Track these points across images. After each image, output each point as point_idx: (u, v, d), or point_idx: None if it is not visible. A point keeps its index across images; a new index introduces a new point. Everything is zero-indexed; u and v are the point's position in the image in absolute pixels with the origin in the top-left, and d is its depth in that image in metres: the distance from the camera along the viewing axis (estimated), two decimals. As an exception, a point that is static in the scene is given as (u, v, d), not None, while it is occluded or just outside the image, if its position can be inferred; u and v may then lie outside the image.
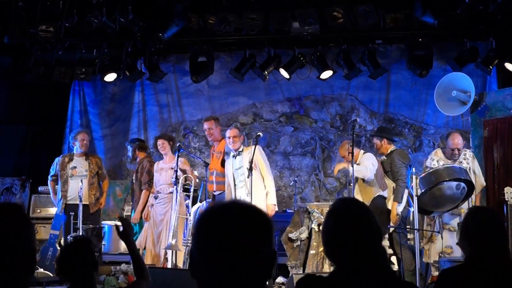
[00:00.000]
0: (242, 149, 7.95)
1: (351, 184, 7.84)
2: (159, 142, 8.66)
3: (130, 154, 9.51)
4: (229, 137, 7.93)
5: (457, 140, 7.82)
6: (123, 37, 9.78)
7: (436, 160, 7.91)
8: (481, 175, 7.96)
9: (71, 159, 8.66)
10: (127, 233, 3.54)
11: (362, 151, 8.14)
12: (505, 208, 7.30)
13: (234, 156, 7.95)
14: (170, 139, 8.76)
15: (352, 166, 7.71)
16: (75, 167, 8.59)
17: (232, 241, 1.75)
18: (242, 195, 7.72)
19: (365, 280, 2.55)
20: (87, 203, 8.39)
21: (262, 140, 8.25)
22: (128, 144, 9.75)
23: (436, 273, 7.60)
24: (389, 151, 8.07)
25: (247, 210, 1.84)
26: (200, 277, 1.80)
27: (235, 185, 7.95)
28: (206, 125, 8.45)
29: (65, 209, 8.44)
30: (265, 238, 1.81)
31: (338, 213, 2.70)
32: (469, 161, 7.92)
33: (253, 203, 7.14)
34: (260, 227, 1.81)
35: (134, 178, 9.07)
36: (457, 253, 7.66)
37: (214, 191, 8.33)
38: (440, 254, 7.47)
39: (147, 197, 8.66)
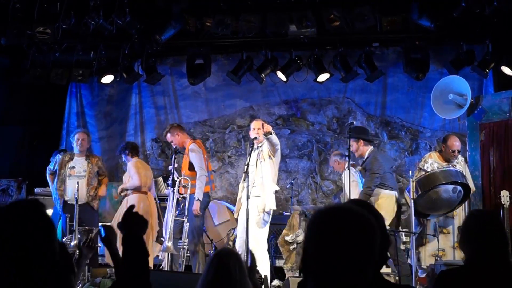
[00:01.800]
0: (263, 145, 7.75)
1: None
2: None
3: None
4: (254, 129, 7.78)
5: (457, 142, 7.90)
6: (120, 39, 9.77)
7: (430, 162, 7.92)
8: (471, 180, 7.96)
9: (71, 158, 8.67)
10: (110, 240, 3.51)
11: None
12: (501, 212, 7.33)
13: (253, 150, 7.70)
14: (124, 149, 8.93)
15: (349, 169, 7.72)
16: (73, 167, 8.60)
17: (339, 239, 1.95)
18: (248, 194, 7.39)
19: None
20: (85, 202, 8.41)
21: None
22: (57, 154, 9.60)
23: (423, 275, 7.62)
24: (367, 154, 7.97)
25: (357, 217, 2.02)
26: (311, 274, 2.00)
27: (244, 180, 7.55)
28: (168, 138, 8.53)
29: (63, 208, 8.46)
30: (366, 244, 1.99)
31: None
32: (461, 166, 7.95)
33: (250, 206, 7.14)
34: (362, 234, 1.99)
35: None
36: (450, 256, 7.69)
37: (181, 193, 8.22)
38: (437, 258, 7.48)
39: None
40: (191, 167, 8.22)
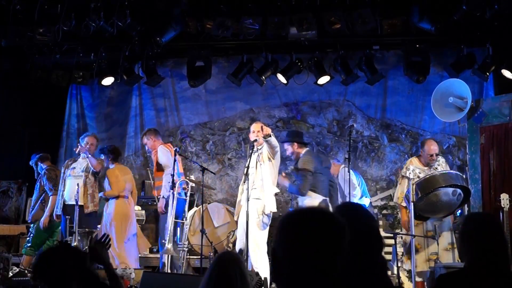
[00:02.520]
0: (262, 147, 7.68)
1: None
2: None
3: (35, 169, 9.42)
4: (254, 131, 7.75)
5: (434, 146, 7.91)
6: (121, 41, 9.78)
7: (412, 169, 7.93)
8: None
9: (74, 161, 8.71)
10: (101, 255, 3.47)
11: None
12: (501, 215, 7.31)
13: (253, 152, 7.66)
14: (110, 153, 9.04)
15: (349, 171, 7.72)
16: (74, 168, 8.60)
17: (310, 240, 1.94)
18: (248, 196, 7.43)
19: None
20: (81, 203, 8.36)
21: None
22: (33, 164, 9.59)
23: (419, 279, 7.62)
24: (301, 155, 7.97)
25: (325, 217, 2.02)
26: (281, 278, 1.99)
27: (244, 182, 7.55)
28: (143, 141, 9.02)
29: (63, 210, 8.42)
30: (337, 243, 1.98)
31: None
32: (442, 167, 7.93)
33: (254, 204, 7.15)
34: (333, 233, 1.98)
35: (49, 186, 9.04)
36: (443, 259, 7.68)
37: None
38: (436, 261, 7.47)
39: (54, 202, 8.74)
40: (159, 167, 8.62)
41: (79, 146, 8.56)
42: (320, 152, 11.16)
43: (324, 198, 7.78)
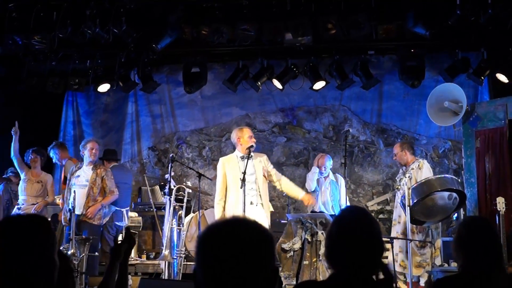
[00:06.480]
0: (252, 155, 7.58)
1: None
2: (32, 155, 9.41)
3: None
4: (250, 137, 7.70)
5: (394, 149, 8.58)
6: (117, 48, 9.78)
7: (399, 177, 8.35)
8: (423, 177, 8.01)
9: (79, 168, 8.54)
10: (130, 247, 3.34)
11: None
12: (497, 218, 7.34)
13: (243, 158, 7.54)
14: (42, 154, 9.44)
15: (345, 178, 7.75)
16: (78, 176, 8.43)
17: (232, 256, 1.78)
18: (251, 201, 7.41)
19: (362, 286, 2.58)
20: (79, 213, 8.21)
21: (255, 151, 8.03)
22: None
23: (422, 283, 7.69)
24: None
25: (249, 227, 1.87)
26: None
27: (241, 188, 7.40)
28: (51, 154, 9.46)
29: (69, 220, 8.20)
30: (266, 255, 1.84)
31: (343, 220, 2.74)
32: (411, 173, 7.93)
33: (256, 213, 7.15)
34: (261, 244, 1.84)
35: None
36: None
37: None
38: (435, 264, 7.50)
39: None
40: (65, 180, 8.87)
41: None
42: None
43: (117, 209, 8.87)
